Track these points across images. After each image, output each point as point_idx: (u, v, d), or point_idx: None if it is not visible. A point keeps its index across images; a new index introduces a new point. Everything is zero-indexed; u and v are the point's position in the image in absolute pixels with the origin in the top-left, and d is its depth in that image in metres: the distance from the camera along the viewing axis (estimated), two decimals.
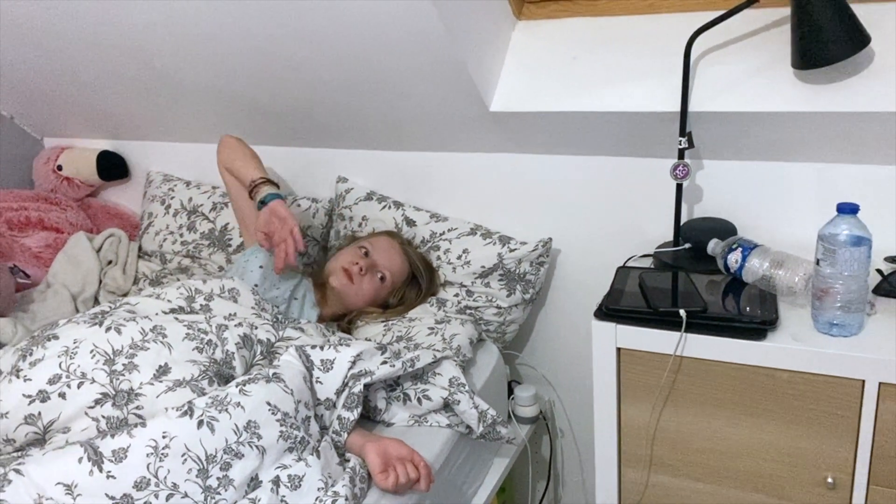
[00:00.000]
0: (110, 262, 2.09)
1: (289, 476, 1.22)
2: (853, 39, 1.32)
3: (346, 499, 1.21)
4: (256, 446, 1.21)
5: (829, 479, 1.29)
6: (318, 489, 1.22)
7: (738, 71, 1.48)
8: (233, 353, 1.39)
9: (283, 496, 1.20)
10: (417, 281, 1.80)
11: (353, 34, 1.56)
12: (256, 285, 1.65)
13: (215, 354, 1.37)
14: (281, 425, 1.25)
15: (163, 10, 1.66)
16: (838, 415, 1.25)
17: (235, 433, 1.20)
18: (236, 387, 1.26)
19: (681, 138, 1.50)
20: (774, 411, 1.30)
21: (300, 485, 1.21)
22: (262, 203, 1.65)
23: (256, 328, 1.47)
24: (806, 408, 1.27)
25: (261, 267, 1.69)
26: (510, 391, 1.88)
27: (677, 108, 1.49)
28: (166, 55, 1.83)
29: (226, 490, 1.17)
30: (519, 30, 1.68)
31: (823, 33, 1.32)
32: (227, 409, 1.22)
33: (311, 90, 1.80)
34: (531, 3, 1.66)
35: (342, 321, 1.78)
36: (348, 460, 1.32)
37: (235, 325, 1.44)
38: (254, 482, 1.20)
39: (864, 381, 1.21)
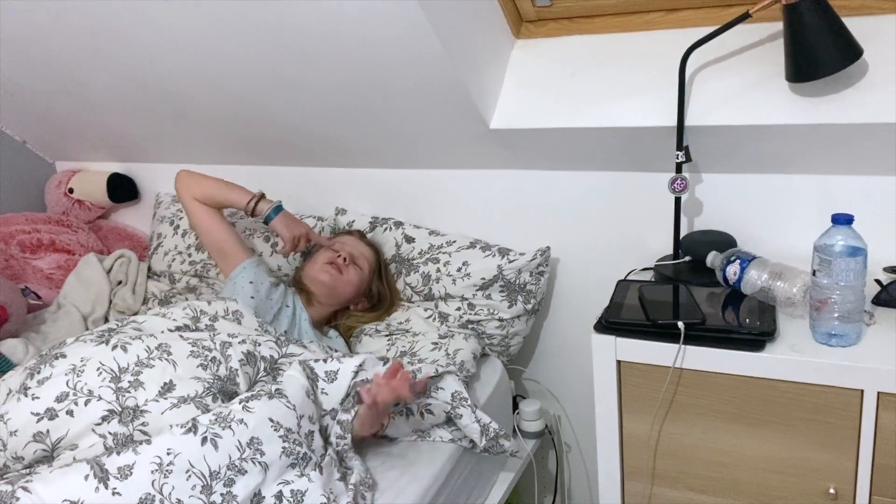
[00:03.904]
0: (120, 283, 2.12)
1: (291, 491, 1.23)
2: (845, 52, 1.34)
3: None
4: (259, 462, 1.23)
5: (832, 490, 1.29)
6: None
7: (734, 85, 1.49)
8: (236, 369, 1.41)
9: None
10: (379, 263, 1.91)
11: (355, 57, 1.59)
12: (252, 297, 1.71)
13: (219, 371, 1.39)
14: (283, 441, 1.26)
15: (171, 36, 1.70)
16: (838, 425, 1.26)
17: (239, 449, 1.22)
18: (239, 403, 1.28)
19: (678, 152, 1.51)
20: (775, 422, 1.30)
21: (302, 500, 1.23)
22: (268, 218, 1.82)
23: (260, 345, 1.49)
24: (806, 418, 1.27)
25: (251, 283, 1.76)
26: (515, 406, 1.88)
27: (674, 122, 1.50)
28: (174, 79, 1.86)
29: None
30: (518, 49, 1.70)
31: (816, 47, 1.34)
32: (230, 426, 1.24)
33: (315, 112, 1.83)
34: (529, 22, 1.69)
35: (332, 322, 1.87)
36: (350, 469, 1.33)
37: (239, 343, 1.46)
38: (257, 497, 1.22)
39: (863, 391, 1.21)
